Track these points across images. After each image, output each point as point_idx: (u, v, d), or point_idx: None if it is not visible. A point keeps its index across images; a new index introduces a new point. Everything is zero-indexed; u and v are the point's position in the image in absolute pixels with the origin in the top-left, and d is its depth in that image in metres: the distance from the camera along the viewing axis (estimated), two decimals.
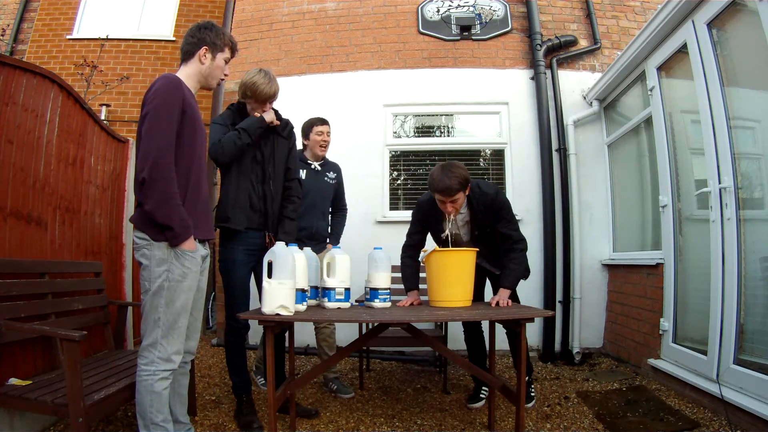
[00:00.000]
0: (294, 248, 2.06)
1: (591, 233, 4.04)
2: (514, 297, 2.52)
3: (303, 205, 2.74)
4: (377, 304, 2.19)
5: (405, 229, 2.71)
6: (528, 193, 4.11)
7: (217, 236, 2.52)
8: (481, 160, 4.43)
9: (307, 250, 2.28)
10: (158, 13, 6.05)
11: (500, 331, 2.63)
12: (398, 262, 2.59)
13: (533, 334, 3.90)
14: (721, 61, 2.52)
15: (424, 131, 4.50)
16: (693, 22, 2.67)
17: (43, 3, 6.04)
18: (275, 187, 2.39)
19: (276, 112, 2.42)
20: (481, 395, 2.70)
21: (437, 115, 4.49)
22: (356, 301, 2.94)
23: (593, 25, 4.37)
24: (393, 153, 4.39)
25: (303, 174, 2.87)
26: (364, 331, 2.99)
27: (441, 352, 2.67)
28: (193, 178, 1.80)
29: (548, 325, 3.84)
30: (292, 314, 1.90)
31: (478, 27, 4.43)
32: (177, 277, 1.71)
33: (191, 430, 1.99)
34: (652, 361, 3.04)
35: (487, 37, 4.42)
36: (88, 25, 5.96)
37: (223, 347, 2.72)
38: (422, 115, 4.48)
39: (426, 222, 2.60)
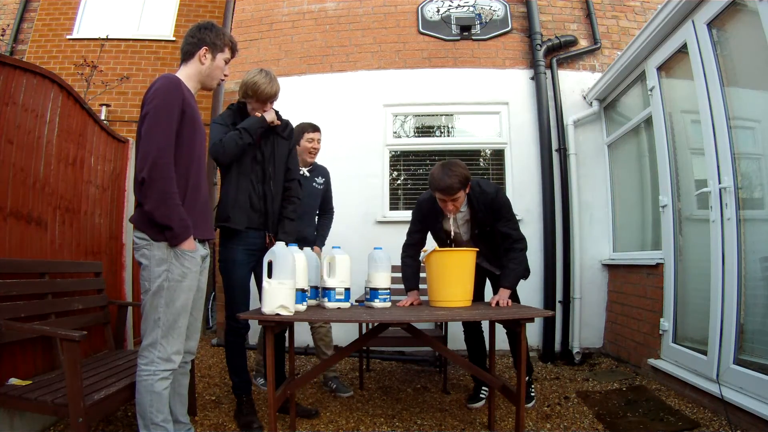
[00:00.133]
0: (294, 248, 2.06)
1: (591, 233, 4.04)
2: (514, 297, 2.52)
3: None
4: (377, 304, 2.19)
5: (405, 229, 2.71)
6: (528, 193, 4.11)
7: (217, 236, 2.52)
8: (481, 160, 4.43)
9: (307, 250, 2.29)
10: (158, 13, 6.05)
11: (500, 331, 2.63)
12: (398, 262, 2.59)
13: (533, 334, 3.90)
14: (721, 61, 2.52)
15: (424, 131, 4.50)
16: (693, 22, 2.67)
17: (43, 3, 6.05)
18: (275, 187, 2.39)
19: (276, 113, 2.42)
20: (481, 395, 2.70)
21: (437, 115, 4.49)
22: (356, 301, 2.94)
23: (593, 25, 4.37)
24: (393, 153, 4.39)
25: None
26: (364, 331, 2.99)
27: (441, 352, 2.67)
28: (192, 178, 1.80)
29: (548, 325, 3.84)
30: (292, 314, 1.90)
31: (478, 27, 4.43)
32: (177, 277, 1.71)
33: (191, 430, 1.99)
34: (652, 361, 3.04)
35: (487, 37, 4.42)
36: (88, 25, 5.96)
37: (223, 347, 2.72)
38: (422, 115, 4.48)
39: (426, 221, 2.59)
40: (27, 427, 2.07)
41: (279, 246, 1.92)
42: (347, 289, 2.19)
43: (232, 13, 4.83)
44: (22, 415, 2.01)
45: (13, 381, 1.94)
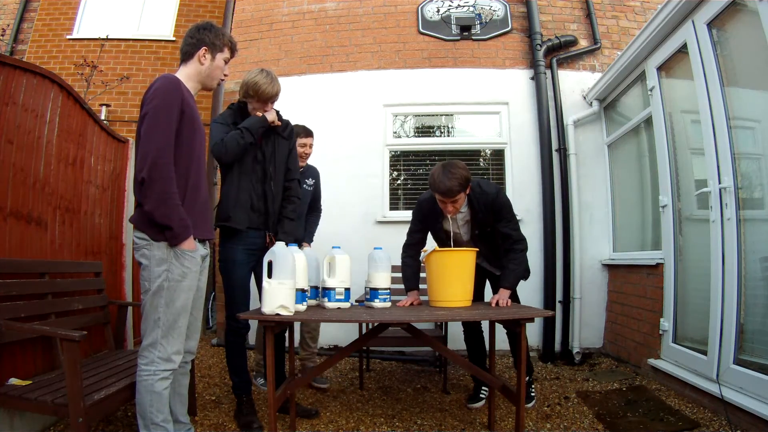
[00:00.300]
0: (294, 248, 2.06)
1: (591, 233, 4.04)
2: (514, 297, 2.52)
3: None
4: (377, 304, 2.19)
5: (405, 229, 2.71)
6: (528, 193, 4.11)
7: (217, 236, 2.52)
8: (481, 160, 4.42)
9: (308, 249, 2.29)
10: (158, 13, 6.05)
11: (500, 331, 2.63)
12: (398, 262, 2.59)
13: (533, 334, 3.90)
14: (721, 61, 2.52)
15: (424, 131, 4.50)
16: (693, 22, 2.67)
17: (43, 3, 6.05)
18: (276, 187, 2.39)
19: (277, 113, 2.42)
20: (481, 395, 2.70)
21: (437, 115, 4.49)
22: (356, 301, 2.94)
23: (593, 25, 4.37)
24: (393, 153, 4.39)
25: None
26: (364, 331, 2.99)
27: (441, 352, 2.67)
28: (192, 178, 1.80)
29: (548, 325, 3.85)
30: (292, 314, 1.90)
31: (478, 27, 4.43)
32: (177, 277, 1.71)
33: (191, 430, 1.99)
34: (652, 361, 3.04)
35: (487, 37, 4.42)
36: (88, 25, 5.96)
37: (223, 347, 2.72)
38: (422, 115, 4.48)
39: (426, 221, 2.59)
40: (27, 427, 2.07)
41: (279, 246, 1.92)
42: (347, 289, 2.19)
43: (232, 13, 4.83)
44: (22, 415, 2.01)
45: (13, 381, 1.94)
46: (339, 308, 2.16)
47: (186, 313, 1.77)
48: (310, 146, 3.07)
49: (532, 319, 2.10)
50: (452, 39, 4.44)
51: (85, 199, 2.84)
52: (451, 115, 4.46)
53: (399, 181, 4.43)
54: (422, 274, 2.61)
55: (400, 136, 4.45)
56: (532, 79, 4.26)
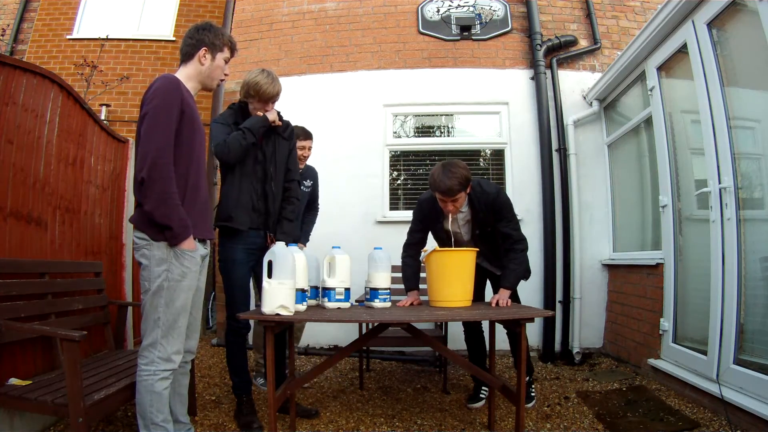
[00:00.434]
0: (294, 248, 2.06)
1: (591, 233, 4.04)
2: (514, 297, 2.52)
3: None
4: (377, 304, 2.19)
5: (405, 229, 2.71)
6: (528, 193, 4.11)
7: (217, 236, 2.52)
8: (481, 160, 4.42)
9: (307, 249, 2.28)
10: (158, 13, 6.05)
11: (500, 331, 2.63)
12: (399, 262, 2.59)
13: (533, 334, 3.90)
14: (721, 61, 2.52)
15: (424, 131, 4.50)
16: (693, 22, 2.67)
17: (43, 3, 6.04)
18: (276, 187, 2.39)
19: (278, 113, 2.42)
20: (481, 395, 2.70)
21: (437, 115, 4.49)
22: (356, 301, 2.94)
23: (593, 25, 4.37)
24: (393, 153, 4.39)
25: None
26: (364, 331, 2.99)
27: (441, 352, 2.67)
28: (192, 177, 1.80)
29: (548, 325, 3.84)
30: (292, 314, 1.90)
31: (478, 27, 4.43)
32: (176, 277, 1.71)
33: (191, 430, 1.99)
34: (652, 361, 3.04)
35: (487, 37, 4.42)
36: (88, 25, 5.96)
37: (223, 347, 2.72)
38: (422, 115, 4.48)
39: (427, 221, 2.59)
40: (27, 427, 2.07)
41: (279, 246, 1.92)
42: (347, 289, 2.19)
43: (232, 13, 4.83)
44: (22, 415, 2.01)
45: (13, 381, 1.94)
46: (339, 308, 2.16)
47: (186, 312, 1.77)
48: (309, 149, 3.08)
49: (532, 319, 2.10)
50: (452, 39, 4.44)
51: (85, 199, 2.84)
52: (451, 115, 4.46)
53: (399, 181, 4.43)
54: (422, 274, 2.61)
55: (400, 136, 4.45)
56: (532, 79, 4.26)
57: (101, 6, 6.06)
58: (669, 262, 2.98)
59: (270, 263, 1.88)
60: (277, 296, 1.85)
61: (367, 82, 4.40)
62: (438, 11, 4.50)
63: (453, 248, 2.50)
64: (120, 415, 2.39)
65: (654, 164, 3.25)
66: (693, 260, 2.88)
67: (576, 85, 4.25)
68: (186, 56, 1.88)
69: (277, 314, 1.86)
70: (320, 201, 3.38)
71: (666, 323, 2.96)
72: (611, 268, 3.93)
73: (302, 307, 2.04)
